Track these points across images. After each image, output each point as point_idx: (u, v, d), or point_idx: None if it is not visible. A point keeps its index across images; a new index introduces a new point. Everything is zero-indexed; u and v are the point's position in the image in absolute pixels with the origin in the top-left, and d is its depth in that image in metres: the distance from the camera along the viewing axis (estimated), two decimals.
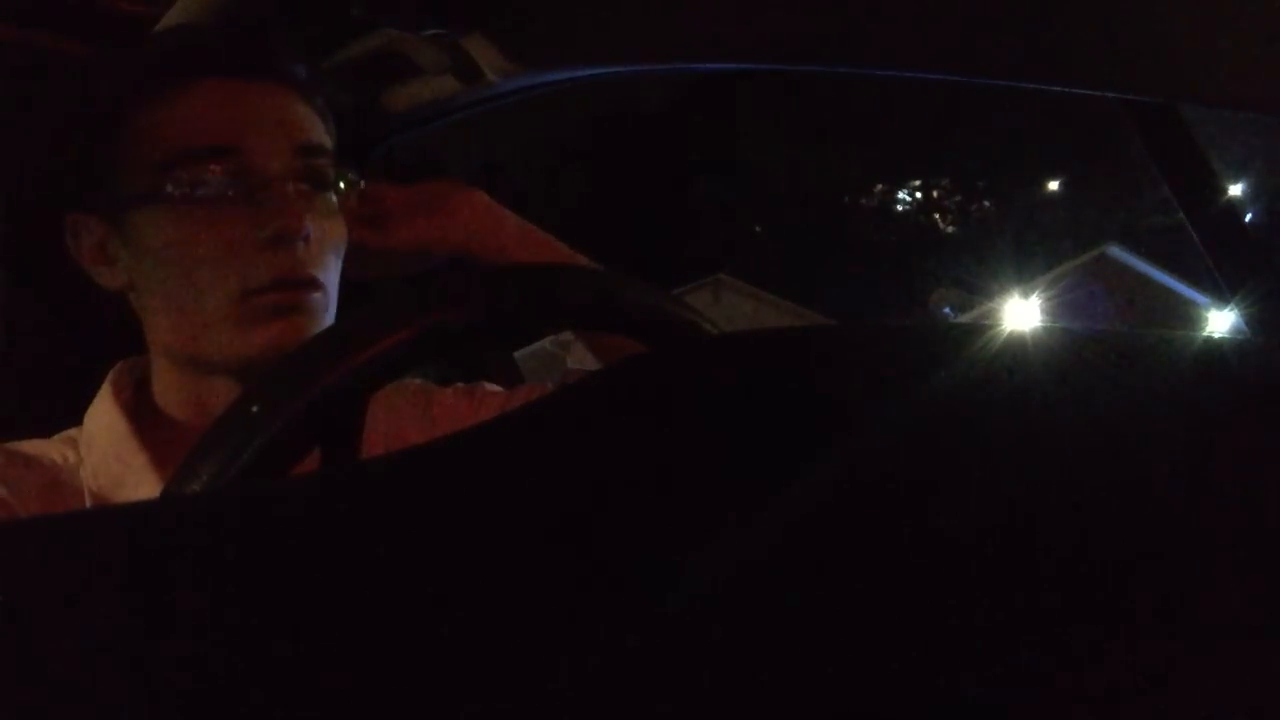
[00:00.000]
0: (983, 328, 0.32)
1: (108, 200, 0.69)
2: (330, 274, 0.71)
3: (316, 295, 0.69)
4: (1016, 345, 0.32)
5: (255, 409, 0.47)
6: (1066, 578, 0.25)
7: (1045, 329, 0.36)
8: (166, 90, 0.68)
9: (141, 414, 0.73)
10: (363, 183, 0.76)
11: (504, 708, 0.21)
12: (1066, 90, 0.72)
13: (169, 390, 0.73)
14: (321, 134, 0.73)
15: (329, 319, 0.71)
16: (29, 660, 0.21)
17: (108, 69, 0.74)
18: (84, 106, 0.72)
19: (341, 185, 0.74)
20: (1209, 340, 0.34)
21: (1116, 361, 0.34)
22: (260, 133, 0.69)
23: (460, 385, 0.89)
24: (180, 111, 0.68)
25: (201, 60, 0.70)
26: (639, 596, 0.23)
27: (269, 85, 0.71)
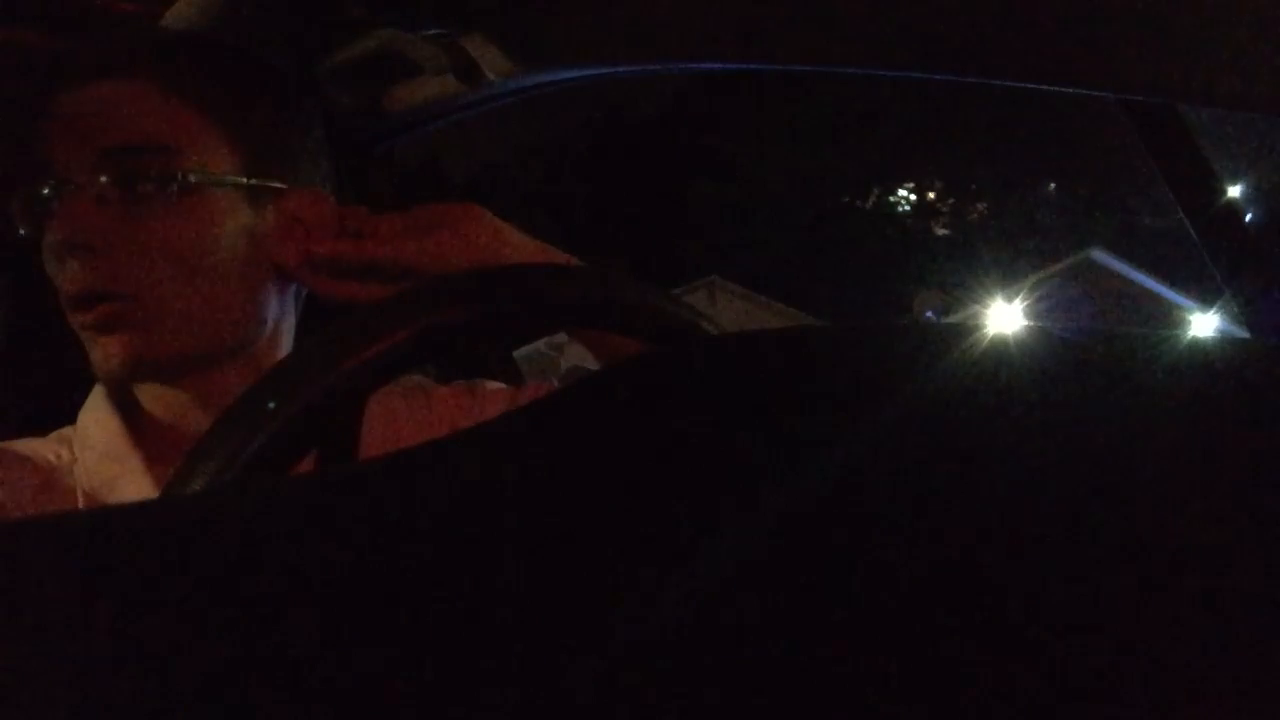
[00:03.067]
0: (972, 328, 0.32)
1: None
2: (150, 284, 0.66)
3: (126, 307, 0.66)
4: (1003, 346, 0.32)
5: (255, 410, 0.47)
6: (1061, 578, 0.25)
7: (1034, 330, 0.36)
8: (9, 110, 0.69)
9: (134, 413, 0.73)
10: (189, 176, 0.68)
11: (504, 707, 0.21)
12: (1066, 90, 0.72)
13: (143, 394, 0.73)
14: (159, 127, 0.67)
15: (168, 333, 0.67)
16: (27, 660, 0.21)
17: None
18: None
19: (157, 181, 0.67)
20: (1196, 341, 0.34)
21: (1105, 362, 0.34)
22: (62, 141, 0.66)
23: (460, 383, 0.89)
24: (11, 129, 0.69)
25: (69, 64, 0.68)
26: (638, 595, 0.23)
27: (88, 84, 0.67)
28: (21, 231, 0.67)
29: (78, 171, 0.66)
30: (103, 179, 0.66)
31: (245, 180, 0.70)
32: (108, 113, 0.66)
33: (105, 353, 0.66)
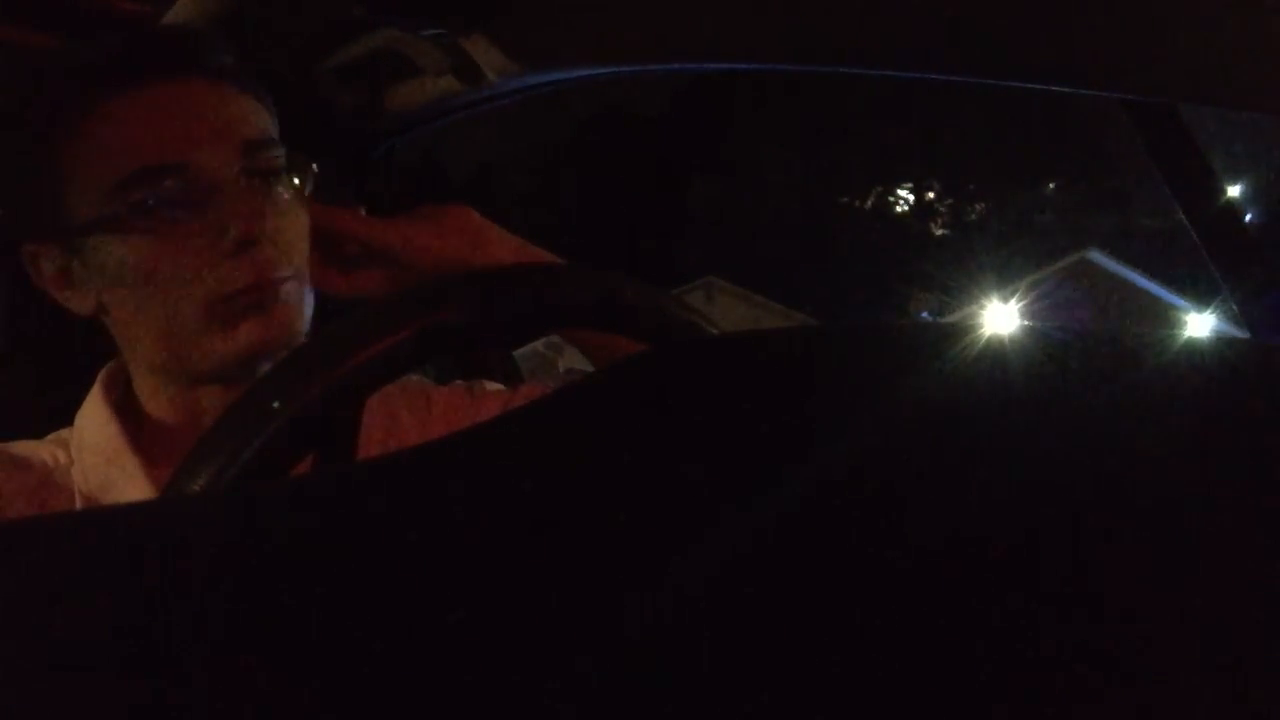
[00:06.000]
0: (969, 328, 0.32)
1: (61, 227, 0.68)
2: (299, 261, 0.70)
3: (288, 286, 0.69)
4: (999, 346, 0.32)
5: (254, 411, 0.47)
6: (1057, 579, 0.25)
7: (1029, 329, 0.36)
8: (102, 106, 0.67)
9: (132, 415, 0.73)
10: (314, 165, 0.74)
11: (503, 706, 0.21)
12: (1066, 90, 0.72)
13: (153, 398, 0.73)
14: (265, 124, 0.72)
15: (309, 303, 0.71)
16: (25, 661, 0.21)
17: (39, 87, 0.72)
18: (22, 130, 0.70)
19: (294, 173, 0.72)
20: (1193, 341, 0.34)
21: (1101, 362, 0.34)
22: (204, 139, 0.67)
23: (460, 383, 0.89)
24: (123, 130, 0.67)
25: (133, 68, 0.68)
26: (638, 594, 0.23)
27: (203, 83, 0.69)
28: (146, 226, 0.66)
29: (222, 166, 0.67)
30: (251, 171, 0.69)
31: (312, 164, 0.74)
32: (235, 108, 0.69)
33: (268, 327, 0.68)
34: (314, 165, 0.73)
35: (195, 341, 0.68)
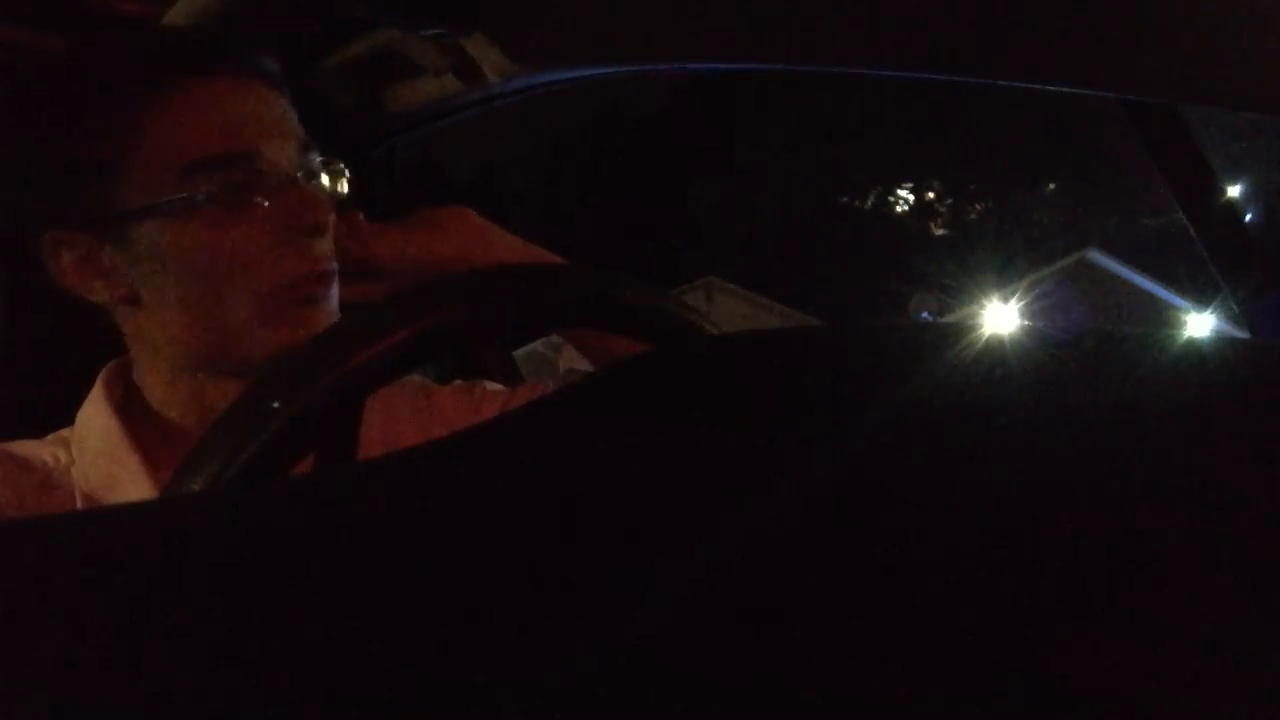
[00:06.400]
0: (969, 328, 0.32)
1: (99, 212, 0.68)
2: (335, 262, 0.73)
3: (334, 284, 0.71)
4: (999, 346, 0.32)
5: (255, 411, 0.47)
6: (1056, 579, 0.25)
7: (1029, 329, 0.36)
8: (168, 94, 0.67)
9: (133, 414, 0.72)
10: (346, 170, 0.76)
11: (503, 706, 0.21)
12: (1066, 90, 0.72)
13: (167, 393, 0.72)
14: (301, 128, 0.74)
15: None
16: (26, 661, 0.21)
17: (98, 72, 0.71)
18: (76, 110, 0.70)
19: (329, 177, 0.74)
20: (1193, 340, 0.34)
21: (1101, 362, 0.34)
22: (270, 134, 0.69)
23: (460, 383, 0.89)
24: (192, 116, 0.67)
25: (201, 61, 0.69)
26: (638, 594, 0.23)
27: (261, 83, 0.70)
28: (212, 212, 0.67)
29: (284, 160, 0.70)
30: (304, 168, 0.71)
31: (344, 169, 0.77)
32: (282, 111, 0.72)
33: (316, 320, 0.70)
34: (346, 171, 0.76)
35: (244, 331, 0.69)
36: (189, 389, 0.72)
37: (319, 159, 0.73)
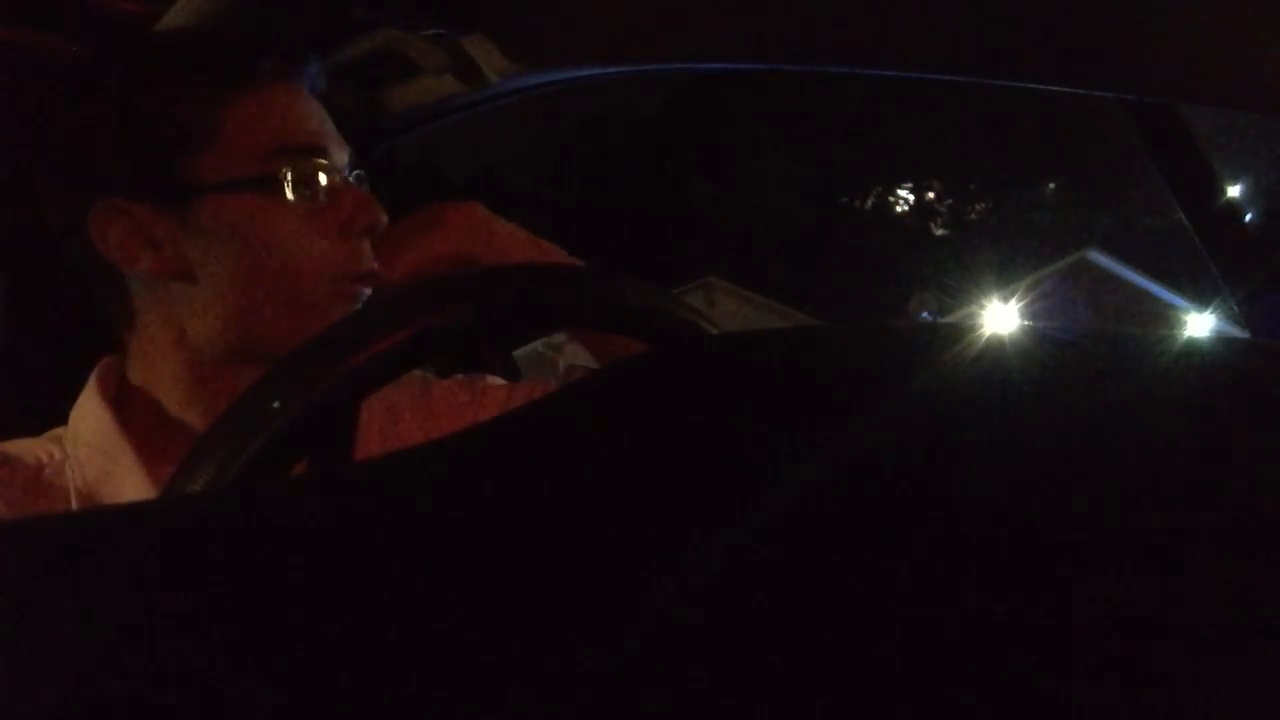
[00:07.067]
0: (969, 328, 0.32)
1: (171, 183, 0.70)
2: None
3: (372, 289, 0.75)
4: (999, 346, 0.32)
5: (254, 410, 0.47)
6: (1057, 579, 0.25)
7: (1029, 329, 0.36)
8: (259, 83, 0.72)
9: (127, 409, 0.72)
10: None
11: (504, 706, 0.21)
12: (1066, 90, 0.72)
13: (173, 383, 0.72)
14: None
15: None
16: (26, 661, 0.21)
17: (196, 52, 0.76)
18: (173, 83, 0.72)
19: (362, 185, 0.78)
20: (1193, 340, 0.34)
21: (1101, 362, 0.34)
22: (333, 138, 0.75)
23: (461, 377, 0.89)
24: (276, 107, 0.72)
25: (278, 65, 0.74)
26: (638, 594, 0.23)
27: (314, 97, 0.77)
28: (292, 197, 0.72)
29: (342, 164, 0.75)
30: (358, 176, 0.77)
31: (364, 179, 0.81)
32: (334, 124, 0.77)
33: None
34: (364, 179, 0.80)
35: (286, 315, 0.71)
36: (200, 377, 0.72)
37: (360, 171, 0.77)
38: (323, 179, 0.72)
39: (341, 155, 0.75)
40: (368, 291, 0.74)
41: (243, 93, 0.71)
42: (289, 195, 0.71)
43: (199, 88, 0.71)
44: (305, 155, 0.72)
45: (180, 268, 0.71)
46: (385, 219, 0.75)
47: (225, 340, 0.72)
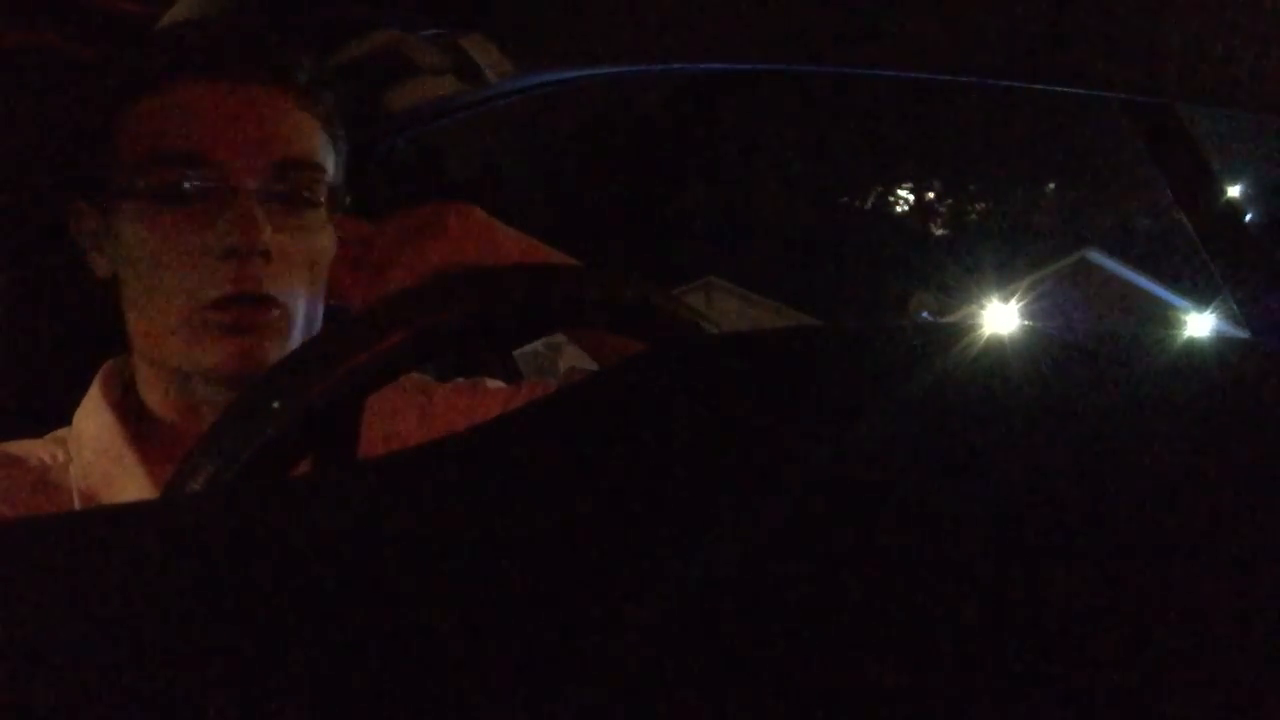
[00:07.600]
0: (969, 328, 0.32)
1: (99, 191, 0.70)
2: (294, 294, 0.69)
3: (274, 314, 0.68)
4: (999, 346, 0.32)
5: (254, 411, 0.47)
6: (1057, 576, 0.25)
7: (1029, 329, 0.36)
8: (152, 89, 0.67)
9: (130, 412, 0.72)
10: (348, 198, 0.76)
11: (505, 706, 0.21)
12: (1066, 90, 0.72)
13: (151, 390, 0.72)
14: (315, 145, 0.71)
15: (294, 339, 0.69)
16: (25, 661, 0.21)
17: (106, 65, 0.73)
18: (81, 100, 0.72)
19: (329, 202, 0.73)
20: (1193, 340, 0.34)
21: (1101, 362, 0.34)
22: (235, 144, 0.67)
23: (461, 380, 0.89)
24: (159, 113, 0.67)
25: (188, 59, 0.68)
26: (639, 594, 0.23)
27: (258, 90, 0.69)
28: (143, 214, 0.67)
29: (247, 178, 0.67)
30: (276, 189, 0.68)
31: (346, 199, 0.76)
32: (279, 125, 0.69)
33: (236, 350, 0.67)
34: (347, 198, 0.75)
35: (171, 339, 0.68)
36: (167, 386, 0.72)
37: (314, 180, 0.71)
38: (187, 188, 0.66)
39: (246, 164, 0.67)
40: (262, 320, 0.67)
41: (156, 93, 0.67)
42: (159, 206, 0.66)
43: (104, 89, 0.69)
44: (174, 164, 0.66)
45: (113, 273, 0.71)
46: (259, 241, 0.66)
47: (151, 355, 0.71)
